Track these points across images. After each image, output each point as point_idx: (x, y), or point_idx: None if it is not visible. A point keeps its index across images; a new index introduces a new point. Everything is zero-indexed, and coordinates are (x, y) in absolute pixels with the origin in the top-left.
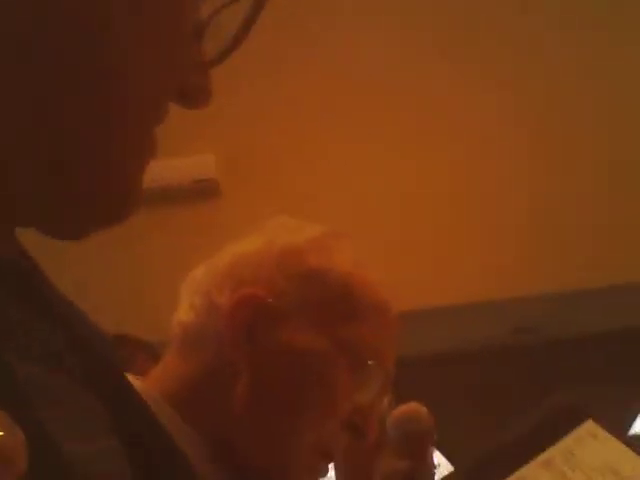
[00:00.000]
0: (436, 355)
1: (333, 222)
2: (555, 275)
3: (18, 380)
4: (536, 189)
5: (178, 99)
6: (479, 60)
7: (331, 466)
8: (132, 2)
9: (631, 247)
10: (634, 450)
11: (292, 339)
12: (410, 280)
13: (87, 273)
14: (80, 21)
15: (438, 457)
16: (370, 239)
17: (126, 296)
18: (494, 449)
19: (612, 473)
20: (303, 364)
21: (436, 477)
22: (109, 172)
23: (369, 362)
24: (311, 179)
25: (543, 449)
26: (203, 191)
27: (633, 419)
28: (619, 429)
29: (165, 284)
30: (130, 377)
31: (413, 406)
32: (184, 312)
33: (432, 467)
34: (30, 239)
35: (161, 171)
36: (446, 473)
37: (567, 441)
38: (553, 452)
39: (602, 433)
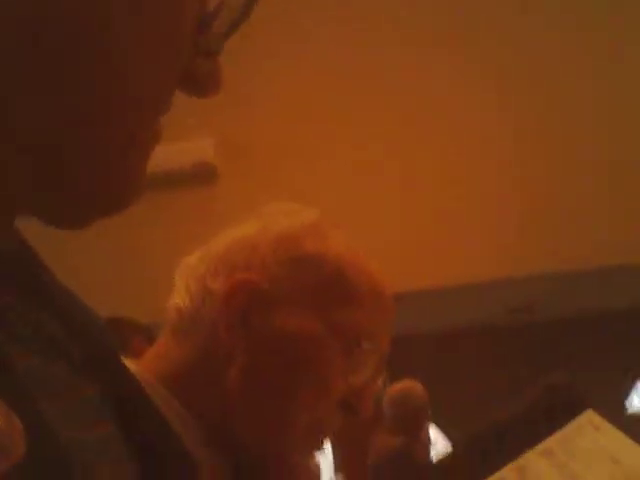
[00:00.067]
0: (436, 334)
1: (332, 205)
2: (553, 255)
3: (18, 373)
4: (533, 171)
5: (187, 88)
6: (479, 60)
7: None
8: (132, 2)
9: (628, 228)
10: (633, 435)
11: (286, 324)
12: (409, 262)
13: (84, 256)
14: (80, 21)
15: (435, 434)
16: (369, 221)
17: (123, 279)
18: (491, 431)
19: (613, 462)
20: (297, 348)
21: (432, 453)
22: (110, 163)
23: (364, 345)
24: (308, 164)
25: (538, 429)
26: (201, 175)
27: (628, 395)
28: (617, 409)
29: (162, 267)
30: (126, 361)
31: (408, 383)
32: (179, 296)
33: (427, 443)
34: (29, 226)
35: (159, 155)
36: (442, 450)
37: (567, 430)
38: (553, 441)
39: (602, 423)
